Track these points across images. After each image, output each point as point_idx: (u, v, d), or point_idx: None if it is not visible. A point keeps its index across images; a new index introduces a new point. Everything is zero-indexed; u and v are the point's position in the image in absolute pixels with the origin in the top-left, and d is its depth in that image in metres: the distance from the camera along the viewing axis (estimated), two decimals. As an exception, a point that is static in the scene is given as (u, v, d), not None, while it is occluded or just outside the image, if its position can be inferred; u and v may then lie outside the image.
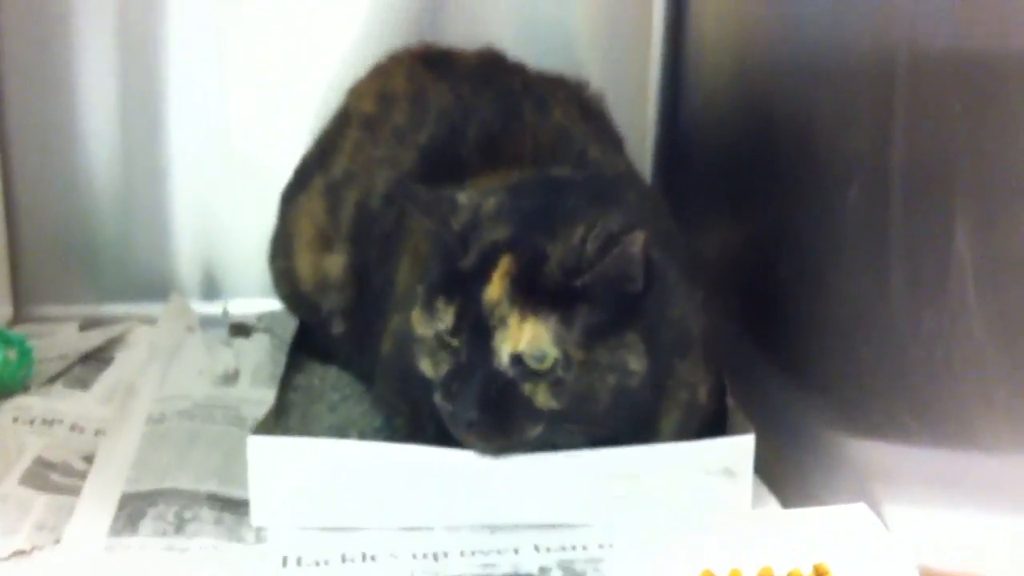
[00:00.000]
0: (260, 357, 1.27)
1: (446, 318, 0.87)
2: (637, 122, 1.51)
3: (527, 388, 0.86)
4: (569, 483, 0.92)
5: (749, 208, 1.21)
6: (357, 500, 0.92)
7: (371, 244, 1.17)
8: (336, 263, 1.21)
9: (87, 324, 1.39)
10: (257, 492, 0.92)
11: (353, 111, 1.25)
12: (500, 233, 0.88)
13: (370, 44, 1.36)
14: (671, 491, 0.93)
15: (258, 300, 1.40)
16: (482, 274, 0.86)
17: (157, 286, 1.44)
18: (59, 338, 1.33)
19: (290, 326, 1.32)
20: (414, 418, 1.01)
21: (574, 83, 1.30)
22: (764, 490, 1.00)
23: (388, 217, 1.15)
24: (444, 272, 0.89)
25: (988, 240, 0.76)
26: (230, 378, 1.22)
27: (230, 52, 1.40)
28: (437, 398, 0.88)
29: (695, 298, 1.02)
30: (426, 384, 0.92)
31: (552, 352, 0.85)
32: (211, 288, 1.48)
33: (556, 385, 0.86)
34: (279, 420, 1.12)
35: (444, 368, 0.88)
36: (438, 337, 0.88)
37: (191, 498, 0.96)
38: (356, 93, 1.27)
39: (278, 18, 1.40)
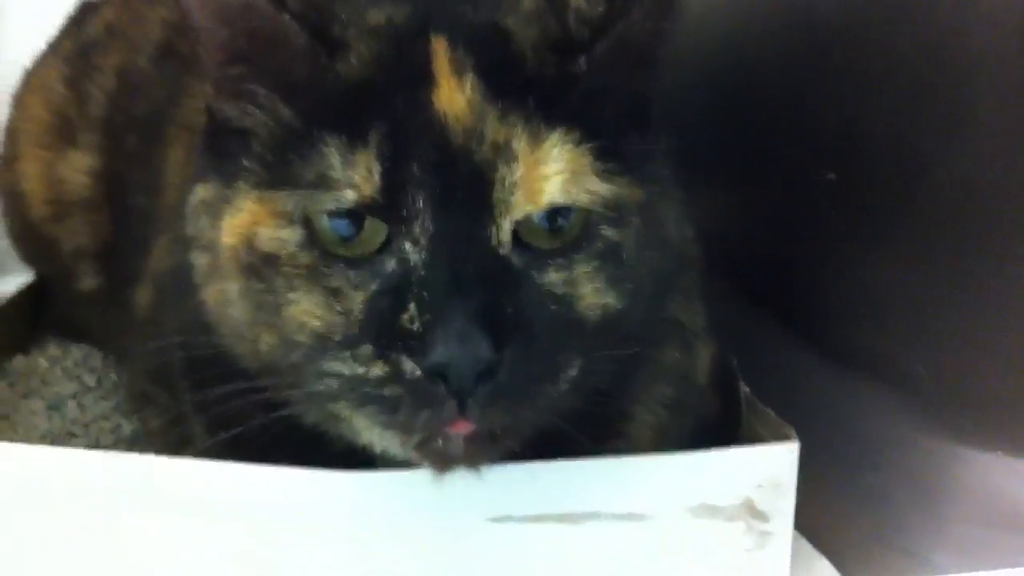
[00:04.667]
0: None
1: (361, 173, 0.50)
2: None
3: (554, 283, 0.52)
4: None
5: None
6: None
7: (133, 130, 0.83)
8: (79, 165, 0.86)
9: None
10: None
11: None
12: (388, 11, 0.54)
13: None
14: (654, 546, 0.61)
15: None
16: (411, 75, 0.52)
17: None
18: None
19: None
20: (180, 417, 0.66)
21: None
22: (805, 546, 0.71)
23: (160, 81, 0.81)
24: (303, 94, 0.52)
25: None
26: None
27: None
28: (346, 364, 0.51)
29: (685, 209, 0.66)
30: (214, 357, 0.57)
31: (603, 194, 0.52)
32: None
33: (610, 260, 0.53)
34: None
35: (358, 298, 0.51)
36: (318, 239, 0.51)
37: None
38: None
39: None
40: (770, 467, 0.62)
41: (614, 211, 0.53)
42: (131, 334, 0.77)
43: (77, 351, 0.96)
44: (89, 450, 0.72)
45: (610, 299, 0.53)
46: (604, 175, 0.52)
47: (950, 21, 0.62)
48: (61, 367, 0.93)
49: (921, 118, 0.69)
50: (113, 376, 0.91)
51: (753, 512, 0.61)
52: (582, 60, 0.52)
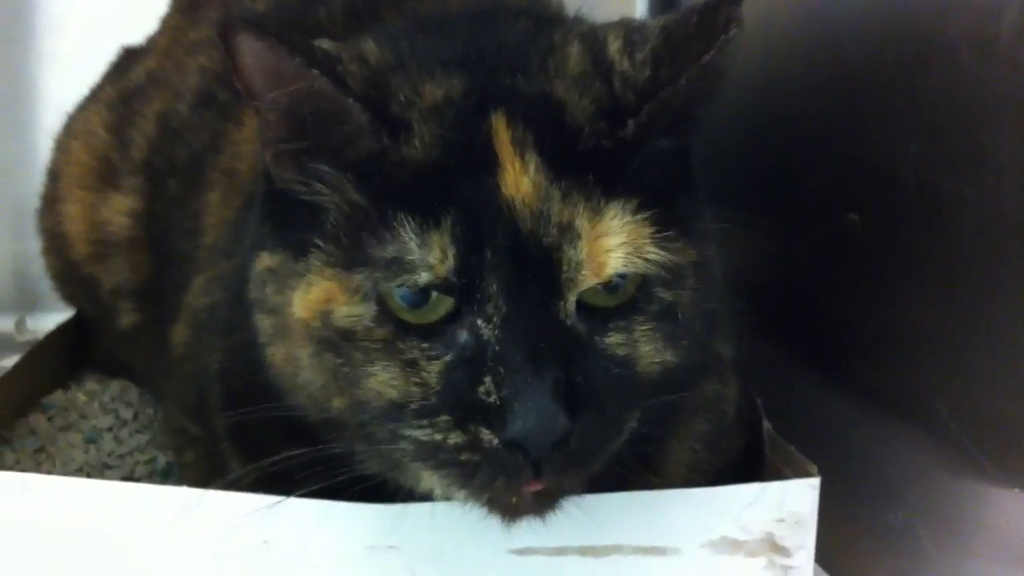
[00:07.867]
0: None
1: (436, 256, 0.50)
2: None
3: (616, 346, 0.53)
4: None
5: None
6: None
7: (174, 174, 0.82)
8: (121, 207, 0.85)
9: None
10: None
11: None
12: (444, 86, 0.53)
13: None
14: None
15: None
16: (475, 157, 0.51)
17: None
18: None
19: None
20: (215, 453, 0.66)
21: None
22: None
23: (200, 126, 0.81)
24: (371, 176, 0.52)
25: None
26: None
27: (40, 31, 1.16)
28: (423, 431, 0.51)
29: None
30: (255, 394, 0.58)
31: (660, 260, 0.52)
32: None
33: (667, 320, 0.53)
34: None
35: (433, 369, 0.51)
36: (391, 311, 0.51)
37: None
38: None
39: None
40: (792, 502, 0.61)
41: (670, 273, 0.53)
42: (168, 370, 0.76)
43: (115, 386, 0.95)
44: (124, 482, 0.72)
45: (668, 356, 0.54)
46: (661, 241, 0.52)
47: (970, 67, 0.62)
48: (99, 401, 0.92)
49: (945, 161, 0.68)
50: (149, 410, 0.91)
51: (775, 547, 0.60)
52: (630, 124, 0.52)
